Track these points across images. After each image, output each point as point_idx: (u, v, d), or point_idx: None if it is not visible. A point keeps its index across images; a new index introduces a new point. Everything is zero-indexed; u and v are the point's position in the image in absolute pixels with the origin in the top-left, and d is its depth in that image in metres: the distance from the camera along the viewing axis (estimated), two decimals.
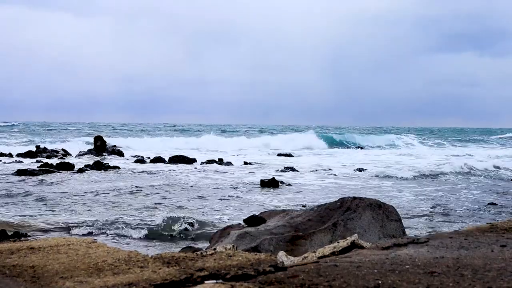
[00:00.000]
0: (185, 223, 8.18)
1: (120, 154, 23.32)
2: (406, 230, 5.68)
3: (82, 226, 8.18)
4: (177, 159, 20.43)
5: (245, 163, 20.68)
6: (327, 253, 3.02)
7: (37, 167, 16.45)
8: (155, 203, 10.61)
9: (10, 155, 22.21)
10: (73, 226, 8.16)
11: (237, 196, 11.75)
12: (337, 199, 5.74)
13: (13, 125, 59.30)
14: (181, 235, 7.86)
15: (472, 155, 27.71)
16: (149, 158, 21.60)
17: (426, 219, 9.23)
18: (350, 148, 38.28)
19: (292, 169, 17.99)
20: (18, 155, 22.00)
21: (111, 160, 21.17)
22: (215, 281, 2.17)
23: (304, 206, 9.97)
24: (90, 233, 7.82)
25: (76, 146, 26.63)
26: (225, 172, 17.14)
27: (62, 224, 8.27)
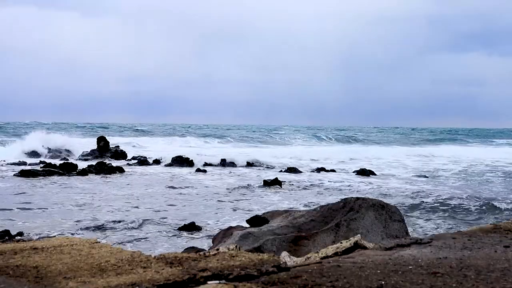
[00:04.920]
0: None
1: (123, 154, 23.35)
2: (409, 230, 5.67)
3: (84, 226, 8.19)
4: (180, 160, 20.43)
5: (248, 163, 20.66)
6: (330, 254, 3.01)
7: (41, 167, 16.49)
8: (154, 205, 10.61)
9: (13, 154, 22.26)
10: (75, 227, 8.17)
11: (240, 196, 11.75)
12: (340, 200, 5.73)
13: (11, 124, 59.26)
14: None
15: None
16: (151, 158, 21.61)
17: (430, 218, 9.22)
18: None
19: (295, 170, 17.97)
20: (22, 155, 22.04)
21: (114, 160, 21.19)
22: (218, 281, 2.17)
23: (307, 206, 9.96)
24: (93, 234, 7.84)
25: (80, 146, 26.65)
26: (227, 173, 17.15)
27: (63, 225, 8.29)
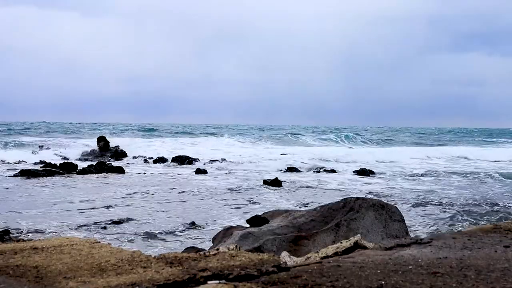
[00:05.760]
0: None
1: (123, 154, 23.36)
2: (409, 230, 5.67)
3: (84, 226, 8.19)
4: (180, 160, 20.43)
5: (248, 163, 20.66)
6: (330, 254, 3.01)
7: (41, 167, 16.49)
8: (152, 205, 10.61)
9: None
10: (75, 227, 8.17)
11: (240, 196, 11.74)
12: (340, 199, 5.73)
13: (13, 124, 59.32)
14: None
15: None
16: (151, 158, 21.62)
17: (430, 218, 9.22)
18: None
19: (295, 170, 17.97)
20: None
21: (114, 160, 21.17)
22: (218, 281, 2.17)
23: (307, 206, 9.96)
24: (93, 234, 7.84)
25: (80, 146, 26.66)
26: (228, 173, 17.15)
27: (63, 225, 8.29)
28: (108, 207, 10.04)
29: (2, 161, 19.64)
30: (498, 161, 24.18)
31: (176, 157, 20.90)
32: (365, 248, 3.04)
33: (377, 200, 5.50)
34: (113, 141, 26.06)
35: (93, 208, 9.84)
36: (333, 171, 18.00)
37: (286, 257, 3.33)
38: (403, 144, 41.99)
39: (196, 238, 7.63)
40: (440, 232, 7.68)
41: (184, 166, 19.33)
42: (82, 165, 17.60)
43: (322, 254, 3.04)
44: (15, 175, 14.93)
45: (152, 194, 11.93)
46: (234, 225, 7.01)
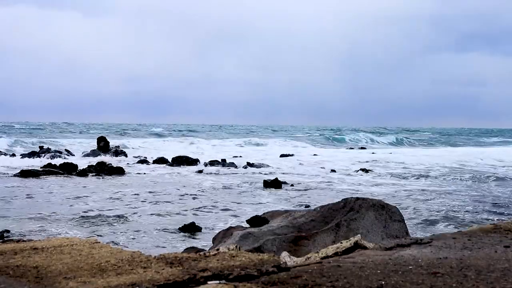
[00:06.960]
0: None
1: (123, 154, 23.36)
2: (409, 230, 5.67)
3: (84, 226, 8.19)
4: (180, 160, 20.42)
5: (248, 163, 20.64)
6: (330, 254, 3.01)
7: (41, 167, 16.49)
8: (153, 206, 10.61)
9: (13, 155, 22.29)
10: (75, 227, 8.17)
11: (240, 196, 11.75)
12: (340, 200, 5.73)
13: (14, 124, 59.35)
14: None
15: None
16: (152, 158, 21.61)
17: (429, 219, 9.22)
18: None
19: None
20: (22, 155, 22.04)
21: (114, 161, 21.16)
22: (218, 281, 2.17)
23: (307, 206, 9.96)
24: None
25: (80, 146, 26.67)
26: (228, 173, 17.15)
27: (63, 225, 8.29)
28: (108, 207, 10.04)
29: (3, 166, 19.62)
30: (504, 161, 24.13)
31: (177, 157, 20.89)
32: (365, 248, 3.04)
33: (377, 200, 5.49)
34: (117, 142, 26.01)
35: (93, 208, 9.84)
36: (333, 171, 18.01)
37: (286, 257, 3.33)
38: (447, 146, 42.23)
39: (196, 238, 7.63)
40: (440, 232, 7.68)
41: (184, 166, 19.33)
42: (82, 165, 17.59)
43: (322, 254, 3.04)
44: (15, 175, 14.93)
45: (152, 194, 11.93)
46: (234, 225, 7.01)
